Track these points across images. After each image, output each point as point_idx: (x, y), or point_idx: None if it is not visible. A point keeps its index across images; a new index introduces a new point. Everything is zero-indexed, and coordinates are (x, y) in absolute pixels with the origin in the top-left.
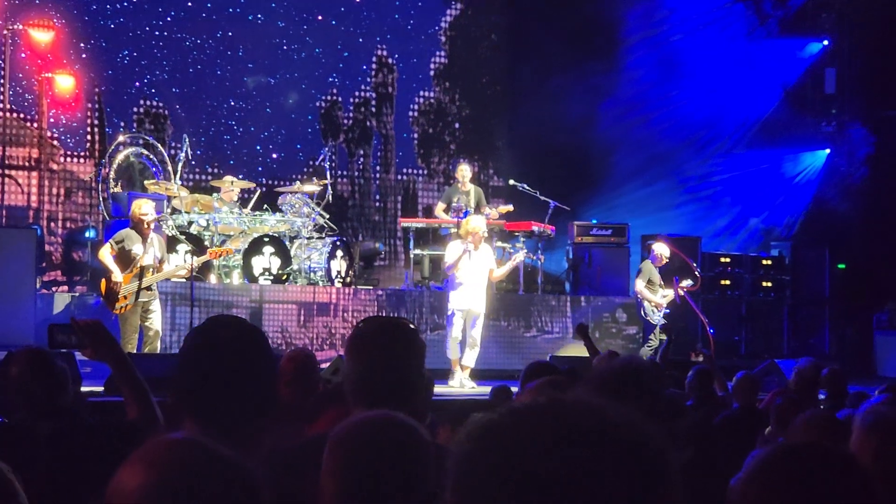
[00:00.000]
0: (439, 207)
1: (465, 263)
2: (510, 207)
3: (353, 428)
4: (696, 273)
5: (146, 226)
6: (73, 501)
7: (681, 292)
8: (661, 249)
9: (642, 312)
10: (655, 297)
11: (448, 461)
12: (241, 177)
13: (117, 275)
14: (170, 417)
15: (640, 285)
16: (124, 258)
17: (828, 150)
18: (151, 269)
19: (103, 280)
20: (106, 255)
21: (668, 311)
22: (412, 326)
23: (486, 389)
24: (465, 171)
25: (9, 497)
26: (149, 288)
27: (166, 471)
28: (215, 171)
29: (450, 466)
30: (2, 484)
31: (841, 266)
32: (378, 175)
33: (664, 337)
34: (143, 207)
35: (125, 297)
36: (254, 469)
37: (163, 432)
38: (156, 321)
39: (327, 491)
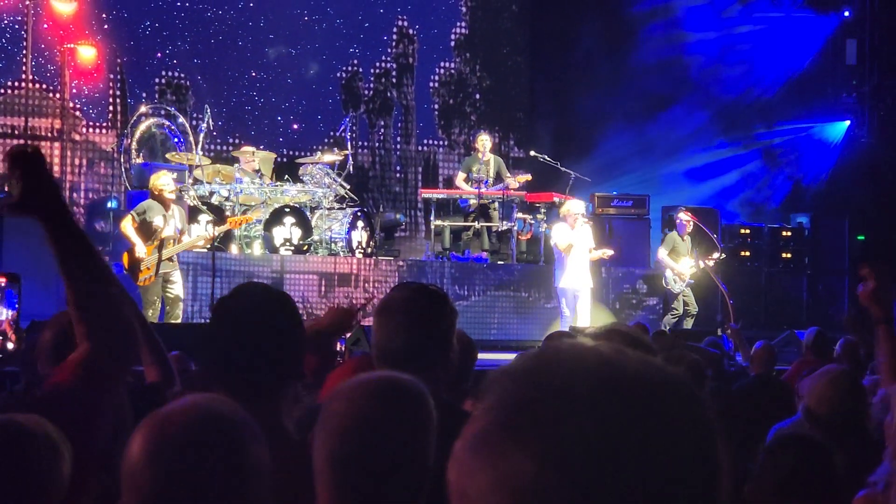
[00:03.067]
0: (460, 177)
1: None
2: (528, 177)
3: (348, 384)
4: (718, 246)
5: (166, 197)
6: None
7: (704, 265)
8: (685, 218)
9: (663, 282)
10: (678, 266)
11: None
12: (262, 147)
13: (140, 247)
14: (200, 386)
15: (661, 253)
16: (146, 230)
17: (848, 122)
18: (173, 240)
19: (126, 252)
20: (128, 227)
21: (691, 281)
22: (442, 293)
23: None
24: (485, 140)
25: (58, 460)
26: (170, 259)
27: (163, 438)
28: (236, 141)
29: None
30: (51, 448)
31: (861, 237)
32: (399, 146)
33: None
34: (161, 179)
35: (148, 269)
36: (257, 432)
37: (178, 394)
38: (177, 289)
39: (317, 450)
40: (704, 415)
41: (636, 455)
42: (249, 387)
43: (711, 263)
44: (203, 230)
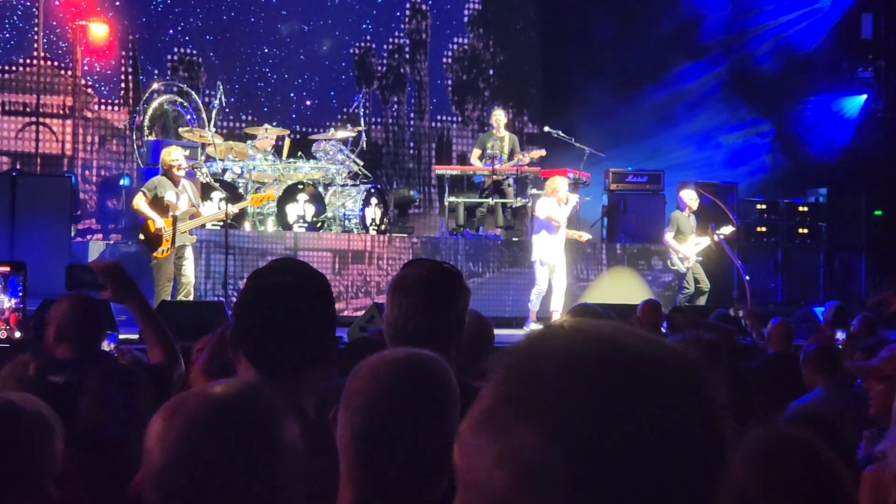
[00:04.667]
0: (475, 154)
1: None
2: (543, 152)
3: (371, 361)
4: (733, 220)
5: (177, 172)
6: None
7: (716, 238)
8: (688, 196)
9: (668, 262)
10: (682, 248)
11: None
12: (275, 124)
13: (158, 221)
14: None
15: (668, 236)
16: (158, 205)
17: (864, 96)
18: (189, 215)
19: (143, 226)
20: (141, 203)
21: (700, 258)
22: (456, 271)
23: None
24: (499, 116)
25: (51, 437)
26: (190, 233)
27: (192, 424)
28: (249, 118)
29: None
30: (44, 426)
31: (877, 213)
32: (412, 122)
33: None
34: (173, 154)
35: (167, 241)
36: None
37: (184, 374)
38: (188, 269)
39: (341, 426)
40: (709, 391)
41: (639, 429)
42: (274, 363)
43: (723, 236)
44: (216, 208)
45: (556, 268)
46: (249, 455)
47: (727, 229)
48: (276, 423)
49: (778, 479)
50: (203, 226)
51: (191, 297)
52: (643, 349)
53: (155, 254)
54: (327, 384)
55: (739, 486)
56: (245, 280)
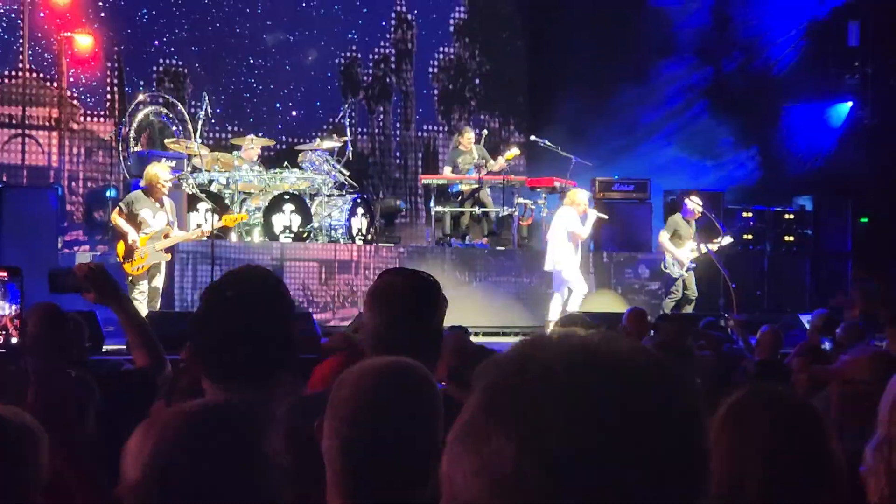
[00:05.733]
0: (446, 171)
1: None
2: (516, 151)
3: (356, 371)
4: (720, 229)
5: (159, 189)
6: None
7: (714, 248)
8: (695, 203)
9: (662, 266)
10: (678, 252)
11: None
12: (260, 134)
13: (133, 235)
14: (189, 374)
15: (663, 237)
16: (133, 221)
17: (850, 103)
18: (164, 234)
19: (120, 241)
20: (118, 218)
21: (693, 265)
22: (434, 280)
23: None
24: (470, 136)
25: (37, 449)
26: (164, 250)
27: (171, 441)
28: (235, 129)
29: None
30: (29, 437)
31: (864, 220)
32: (398, 132)
33: (688, 293)
34: (156, 169)
35: (141, 258)
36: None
37: (169, 378)
38: (159, 281)
39: (326, 436)
40: (690, 403)
41: (614, 442)
42: (239, 376)
43: (716, 248)
44: (202, 218)
45: (574, 276)
46: (230, 469)
47: (726, 240)
48: (255, 437)
49: (743, 431)
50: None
51: (157, 306)
52: (624, 360)
53: (128, 270)
54: (307, 395)
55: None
56: (205, 289)
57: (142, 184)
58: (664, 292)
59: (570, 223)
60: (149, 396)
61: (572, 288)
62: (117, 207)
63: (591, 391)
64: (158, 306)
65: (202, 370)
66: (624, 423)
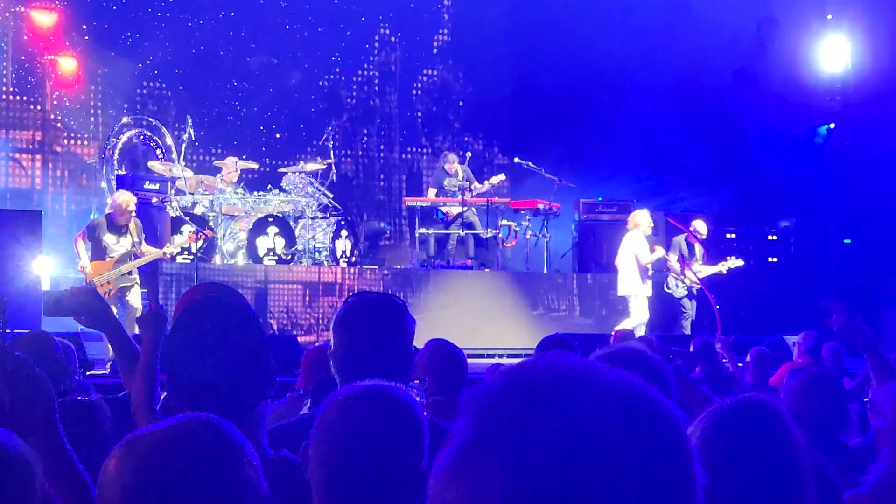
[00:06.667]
0: (431, 193)
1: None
2: (502, 176)
3: (342, 396)
4: (703, 248)
5: (125, 213)
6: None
7: (723, 270)
8: (701, 227)
9: (665, 286)
10: (688, 273)
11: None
12: (244, 157)
13: (84, 261)
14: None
15: (671, 258)
16: (96, 246)
17: (832, 125)
18: (130, 256)
19: (91, 264)
20: (78, 242)
21: (698, 286)
22: (400, 302)
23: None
24: (454, 161)
25: (26, 483)
26: (129, 273)
27: (143, 467)
28: (219, 151)
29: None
30: (24, 464)
31: (846, 240)
32: (382, 154)
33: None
34: (132, 204)
35: (108, 283)
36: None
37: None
38: (136, 301)
39: (313, 462)
40: (677, 431)
41: (604, 471)
42: (217, 405)
43: (725, 269)
44: (187, 240)
45: (635, 303)
46: (205, 491)
47: (736, 262)
48: (231, 457)
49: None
50: (173, 258)
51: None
52: (613, 388)
53: None
54: (289, 420)
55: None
56: (174, 316)
57: (108, 210)
58: (677, 310)
59: (635, 247)
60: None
61: (630, 312)
62: (81, 232)
63: (579, 420)
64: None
65: (178, 400)
66: (613, 453)
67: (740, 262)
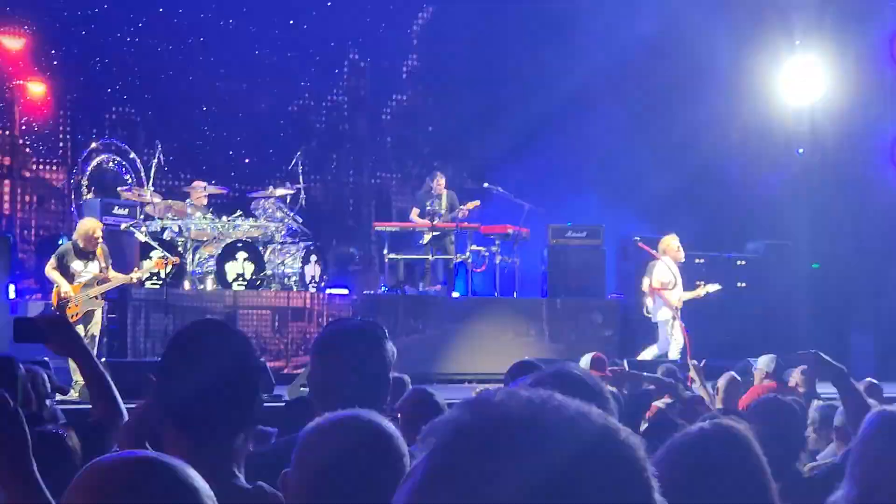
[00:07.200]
0: (414, 212)
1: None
2: (476, 203)
3: (317, 428)
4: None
5: (91, 241)
6: None
7: (701, 294)
8: (669, 247)
9: (645, 311)
10: (667, 297)
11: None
12: (213, 182)
13: (65, 286)
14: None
15: (648, 284)
16: (64, 272)
17: (801, 150)
18: (96, 281)
19: (54, 291)
20: (51, 270)
21: (678, 308)
22: (380, 329)
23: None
24: (441, 181)
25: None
26: (96, 297)
27: (100, 497)
28: (188, 176)
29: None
30: (62, 447)
31: (815, 265)
32: (352, 179)
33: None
34: (99, 230)
35: (76, 306)
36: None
37: (126, 432)
38: (95, 328)
39: (292, 491)
40: (637, 466)
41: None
42: (202, 430)
43: (703, 293)
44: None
45: (663, 330)
46: None
47: (713, 287)
48: (192, 489)
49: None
50: (142, 284)
51: (94, 353)
52: (566, 422)
53: None
54: (265, 447)
55: None
56: (166, 346)
57: (75, 236)
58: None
59: (656, 274)
60: (103, 450)
61: (668, 338)
62: (52, 260)
63: (537, 454)
64: (96, 354)
65: (164, 422)
66: (572, 486)
67: (717, 287)
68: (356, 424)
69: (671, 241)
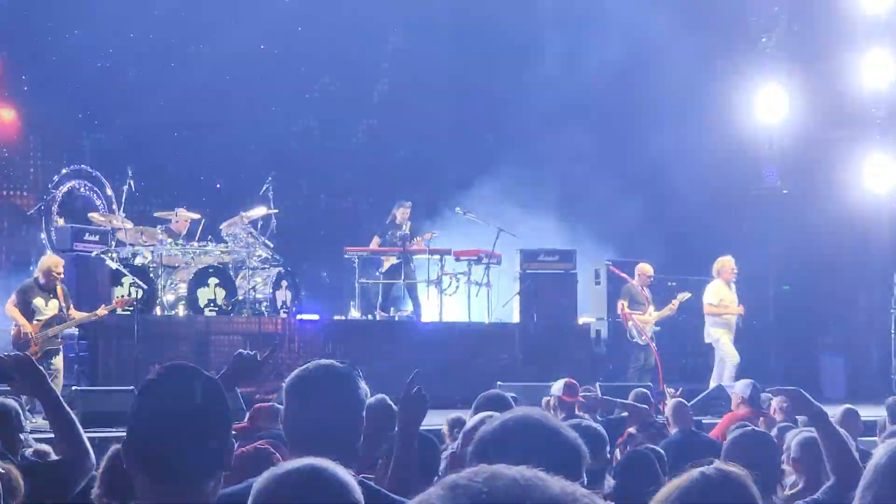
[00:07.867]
0: (374, 242)
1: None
2: (434, 233)
3: (274, 475)
4: (648, 293)
5: (52, 277)
6: None
7: (674, 308)
8: (647, 269)
9: (628, 335)
10: (643, 317)
11: None
12: (185, 206)
13: (26, 325)
14: (123, 468)
15: (623, 306)
16: (25, 310)
17: (769, 172)
18: (56, 320)
19: (14, 329)
20: (11, 308)
21: (658, 328)
22: (355, 371)
23: None
24: (405, 212)
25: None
26: (55, 336)
27: None
28: (159, 201)
29: None
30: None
31: (785, 287)
32: (322, 204)
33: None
34: (60, 267)
35: (35, 345)
36: None
37: (93, 466)
38: (58, 361)
39: None
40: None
41: None
42: (171, 475)
43: (676, 306)
44: (127, 292)
45: (723, 349)
46: None
47: (684, 295)
48: None
49: None
50: (114, 310)
51: (60, 386)
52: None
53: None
54: (234, 487)
55: None
56: (139, 388)
57: (36, 273)
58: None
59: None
60: (68, 488)
61: (723, 358)
62: (12, 297)
63: None
64: (61, 387)
65: (135, 467)
66: None
67: (688, 295)
68: (310, 473)
69: (726, 262)
